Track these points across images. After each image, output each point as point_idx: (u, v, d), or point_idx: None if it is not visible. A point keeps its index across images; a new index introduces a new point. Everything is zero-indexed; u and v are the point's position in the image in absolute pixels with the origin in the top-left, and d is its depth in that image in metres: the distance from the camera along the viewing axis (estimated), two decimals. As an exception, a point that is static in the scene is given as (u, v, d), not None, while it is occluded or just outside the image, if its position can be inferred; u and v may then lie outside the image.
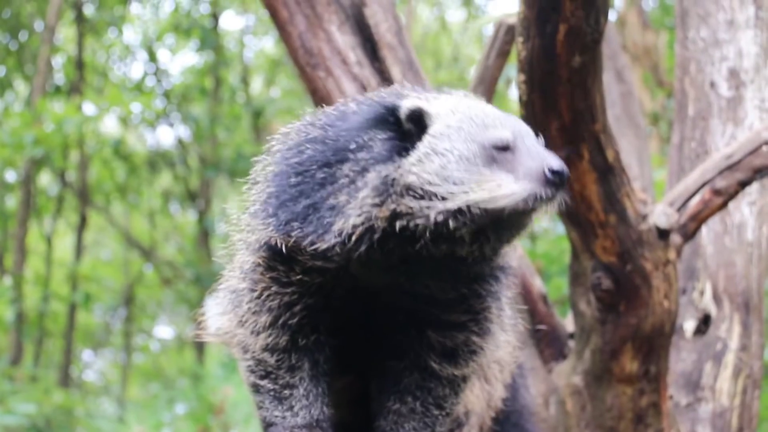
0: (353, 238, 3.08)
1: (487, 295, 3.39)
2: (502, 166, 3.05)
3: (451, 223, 3.01)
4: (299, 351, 3.39)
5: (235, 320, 3.44)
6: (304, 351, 3.40)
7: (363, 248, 3.09)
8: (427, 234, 3.04)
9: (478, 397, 3.86)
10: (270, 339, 3.36)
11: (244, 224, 3.43)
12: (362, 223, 3.07)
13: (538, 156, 3.07)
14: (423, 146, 3.08)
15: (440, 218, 3.01)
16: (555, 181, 3.00)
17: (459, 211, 3.00)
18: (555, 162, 3.02)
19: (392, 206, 3.04)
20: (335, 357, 3.51)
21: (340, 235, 3.09)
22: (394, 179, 3.04)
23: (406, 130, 3.13)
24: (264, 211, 3.27)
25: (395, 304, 3.37)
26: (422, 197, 3.03)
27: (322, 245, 3.13)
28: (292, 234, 3.17)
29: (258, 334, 3.37)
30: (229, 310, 3.47)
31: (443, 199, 3.01)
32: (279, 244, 3.20)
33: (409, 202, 3.03)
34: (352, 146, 3.12)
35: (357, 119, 3.20)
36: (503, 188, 3.00)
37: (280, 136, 3.42)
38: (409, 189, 3.04)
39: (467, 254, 3.14)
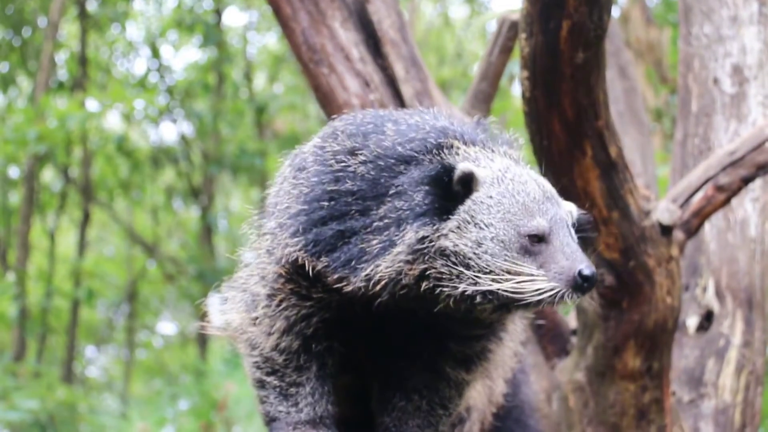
0: (378, 286, 3.10)
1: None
2: (535, 257, 3.08)
3: (478, 299, 3.06)
4: (309, 354, 3.41)
5: (248, 319, 3.45)
6: (315, 355, 3.41)
7: (385, 296, 3.12)
8: (450, 300, 3.09)
9: (480, 393, 3.87)
10: (282, 342, 3.38)
11: (268, 232, 3.40)
12: (390, 276, 3.09)
13: (571, 256, 3.09)
14: (464, 212, 3.10)
15: (468, 292, 3.05)
16: (585, 287, 3.04)
17: (488, 292, 3.04)
18: (586, 267, 3.05)
19: (423, 266, 3.07)
20: (341, 357, 3.53)
21: (367, 280, 3.11)
22: (431, 241, 3.06)
23: (455, 191, 3.12)
24: (292, 226, 3.24)
25: (417, 321, 3.39)
26: (455, 265, 3.05)
27: (348, 286, 3.16)
28: (320, 261, 3.18)
29: (270, 335, 3.38)
30: (243, 309, 3.48)
31: (475, 275, 3.04)
32: (306, 265, 3.21)
33: (441, 267, 3.07)
34: (392, 191, 3.13)
35: (412, 173, 3.17)
36: (534, 284, 3.03)
37: (315, 150, 3.36)
38: (443, 254, 3.06)
39: (484, 318, 3.26)
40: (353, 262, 3.12)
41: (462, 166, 3.12)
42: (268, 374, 3.45)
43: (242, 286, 3.52)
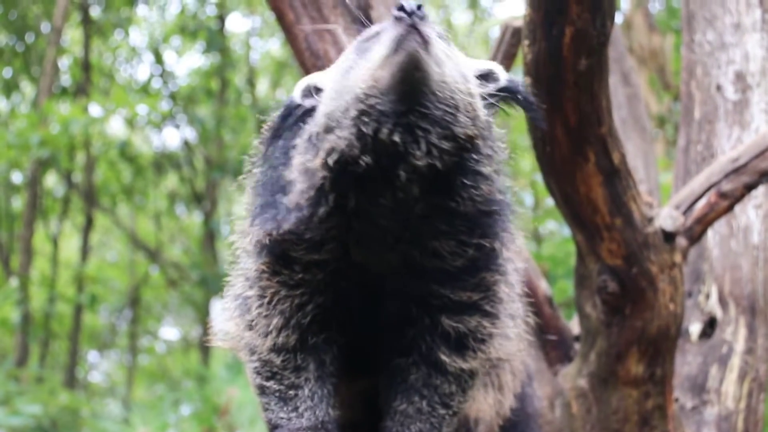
0: (307, 203, 3.15)
1: (495, 259, 3.35)
2: (370, 48, 3.06)
3: (365, 128, 2.98)
4: (306, 351, 3.41)
5: (243, 324, 3.46)
6: (311, 351, 3.42)
7: (322, 210, 3.14)
8: (363, 159, 3.02)
9: (491, 406, 3.86)
10: (279, 339, 3.38)
11: (240, 231, 3.49)
12: (306, 184, 3.14)
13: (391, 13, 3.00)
14: (322, 98, 3.20)
15: (354, 130, 3.00)
16: (400, 15, 2.91)
17: (362, 112, 2.98)
18: (399, 1, 2.95)
19: (320, 151, 3.10)
20: (350, 359, 3.53)
21: (297, 207, 3.16)
22: (313, 133, 3.14)
23: (308, 107, 3.26)
24: (250, 217, 3.37)
25: (406, 291, 3.36)
26: (334, 124, 3.06)
27: (286, 225, 3.19)
28: (267, 227, 3.25)
29: (267, 335, 3.39)
30: (237, 316, 3.49)
31: (344, 110, 3.02)
32: (265, 241, 3.27)
33: (328, 137, 3.07)
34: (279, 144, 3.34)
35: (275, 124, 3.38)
36: (371, 58, 2.99)
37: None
38: (324, 128, 3.09)
39: (424, 165, 3.03)
40: (282, 205, 3.23)
41: (297, 89, 3.36)
42: (267, 379, 3.45)
43: (233, 292, 3.54)
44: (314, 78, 3.34)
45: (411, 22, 2.89)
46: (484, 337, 3.42)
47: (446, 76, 2.98)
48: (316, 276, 3.30)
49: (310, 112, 3.24)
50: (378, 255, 3.27)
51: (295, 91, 3.33)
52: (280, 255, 3.28)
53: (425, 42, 2.90)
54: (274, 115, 3.39)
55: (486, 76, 3.27)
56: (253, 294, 3.40)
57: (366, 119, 2.97)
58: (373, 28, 3.20)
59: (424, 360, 3.44)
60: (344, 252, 3.25)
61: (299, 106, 3.30)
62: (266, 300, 3.37)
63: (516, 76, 3.31)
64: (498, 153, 3.24)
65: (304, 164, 3.14)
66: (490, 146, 3.20)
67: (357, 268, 3.29)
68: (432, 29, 2.95)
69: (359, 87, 2.98)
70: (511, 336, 3.52)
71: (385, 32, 2.98)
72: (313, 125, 3.15)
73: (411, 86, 2.94)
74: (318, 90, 3.27)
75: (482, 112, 3.12)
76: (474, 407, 3.79)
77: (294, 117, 3.29)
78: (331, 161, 3.05)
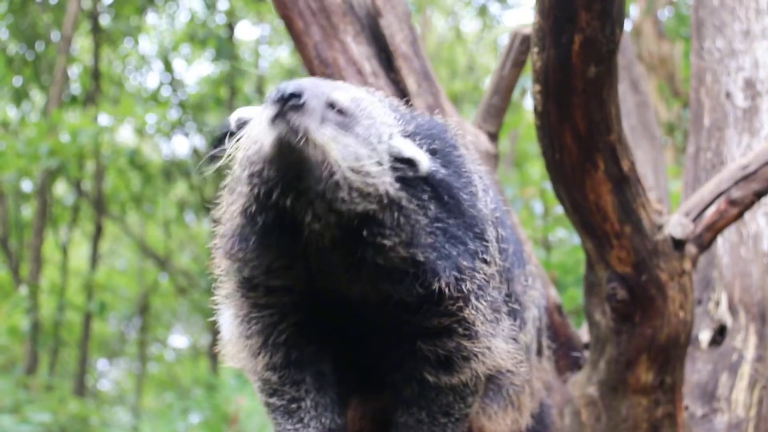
0: (239, 235, 3.25)
1: (457, 289, 3.30)
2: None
3: (256, 189, 3.09)
4: (299, 365, 3.43)
5: (236, 346, 3.53)
6: (305, 365, 3.44)
7: (253, 241, 3.21)
8: (261, 217, 3.14)
9: (508, 426, 3.86)
10: (267, 358, 3.43)
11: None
12: (235, 220, 3.27)
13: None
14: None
15: (247, 189, 3.14)
16: (276, 98, 2.96)
17: (252, 174, 3.09)
18: (281, 87, 3.00)
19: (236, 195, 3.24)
20: (359, 376, 3.54)
21: (232, 235, 3.27)
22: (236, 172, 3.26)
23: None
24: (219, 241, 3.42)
25: (377, 317, 3.37)
26: (237, 179, 3.24)
27: (233, 249, 3.29)
28: (225, 253, 3.33)
29: (255, 356, 3.43)
30: (234, 338, 3.54)
31: (242, 167, 3.17)
32: (228, 264, 3.38)
33: (237, 187, 3.24)
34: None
35: None
36: (256, 126, 3.06)
37: None
38: (233, 179, 3.28)
39: (318, 229, 3.11)
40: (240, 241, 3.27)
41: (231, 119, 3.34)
42: (270, 395, 3.50)
43: (223, 313, 3.58)
44: (246, 111, 3.32)
45: (283, 113, 2.95)
46: (467, 355, 3.42)
47: (328, 156, 2.99)
48: (282, 299, 3.35)
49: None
50: (340, 284, 3.28)
51: (231, 118, 3.33)
52: (246, 279, 3.34)
53: (295, 131, 2.94)
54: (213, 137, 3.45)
55: (408, 161, 3.22)
56: (233, 314, 3.49)
57: (256, 181, 3.08)
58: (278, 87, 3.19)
59: (412, 377, 3.45)
60: (309, 279, 3.26)
61: (231, 133, 3.28)
62: (240, 320, 3.44)
63: (435, 167, 3.28)
64: (413, 221, 3.21)
65: (228, 204, 3.28)
66: (400, 217, 3.17)
67: (326, 293, 3.31)
68: (308, 119, 2.97)
69: (249, 149, 3.09)
70: (497, 352, 3.50)
71: (266, 108, 3.04)
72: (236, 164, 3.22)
73: (288, 161, 3.00)
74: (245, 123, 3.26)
75: (383, 189, 3.11)
76: (492, 427, 3.80)
77: (225, 143, 3.28)
78: (240, 209, 3.19)
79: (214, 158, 3.33)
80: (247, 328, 3.43)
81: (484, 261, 3.36)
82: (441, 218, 3.22)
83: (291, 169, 3.00)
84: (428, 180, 3.21)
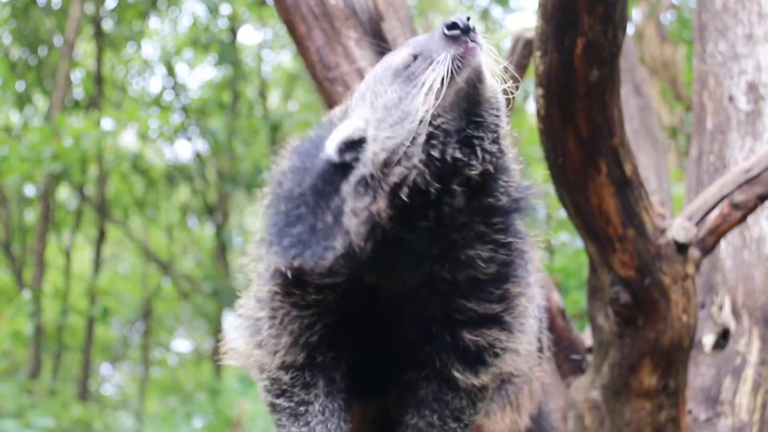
0: (362, 242, 3.11)
1: (519, 268, 3.35)
2: (421, 72, 3.08)
3: (434, 151, 3.03)
4: (315, 368, 3.42)
5: (252, 343, 3.47)
6: (320, 368, 3.42)
7: (369, 246, 3.11)
8: (433, 185, 3.06)
9: (507, 426, 3.86)
10: (288, 357, 3.39)
11: (254, 254, 3.48)
12: (365, 226, 3.10)
13: (436, 32, 3.08)
14: (370, 137, 3.13)
15: (423, 156, 3.03)
16: (453, 34, 3.02)
17: (430, 135, 3.02)
18: (449, 20, 3.04)
19: (380, 191, 3.07)
20: (361, 378, 3.53)
21: (349, 246, 3.11)
22: (366, 175, 3.10)
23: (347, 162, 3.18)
24: (268, 239, 3.32)
25: (425, 309, 3.35)
26: (397, 157, 3.05)
27: (324, 263, 3.16)
28: (295, 260, 3.20)
29: (275, 353, 3.40)
30: (247, 335, 3.50)
31: (409, 139, 3.03)
32: (285, 270, 3.24)
33: (395, 170, 3.06)
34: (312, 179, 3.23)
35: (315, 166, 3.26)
36: (427, 82, 3.02)
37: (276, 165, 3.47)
38: (384, 165, 3.06)
39: (478, 173, 3.10)
40: (321, 243, 3.17)
41: (329, 148, 3.19)
42: (277, 396, 3.46)
43: (244, 313, 3.54)
44: (345, 131, 3.20)
45: (467, 39, 3.00)
46: (498, 351, 3.42)
47: (492, 81, 3.10)
48: (327, 296, 3.30)
49: (347, 166, 3.17)
50: (392, 276, 3.26)
51: (329, 148, 3.19)
52: (295, 278, 3.27)
53: (481, 54, 3.02)
54: (311, 173, 3.28)
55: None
56: (264, 315, 3.41)
57: (434, 142, 3.02)
58: (397, 56, 3.21)
59: (437, 375, 3.44)
60: (357, 274, 3.24)
61: (340, 164, 3.19)
62: (277, 321, 3.38)
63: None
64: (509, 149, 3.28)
65: (361, 208, 3.09)
66: (504, 175, 3.24)
67: (368, 289, 3.29)
68: (481, 38, 3.06)
69: (423, 112, 3.01)
70: (522, 352, 3.51)
71: (439, 52, 3.04)
72: (363, 169, 3.09)
73: (474, 100, 3.05)
74: (355, 143, 3.17)
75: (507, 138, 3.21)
76: (491, 427, 3.79)
77: (334, 174, 3.20)
78: (403, 194, 3.05)
79: (316, 192, 3.23)
80: (279, 328, 3.38)
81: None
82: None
83: (475, 107, 3.06)
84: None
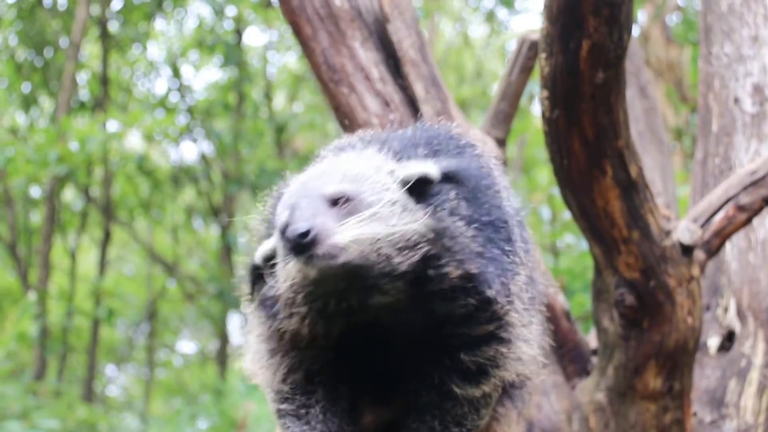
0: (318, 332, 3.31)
1: (501, 294, 3.32)
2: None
3: (316, 304, 3.21)
4: (312, 381, 3.47)
5: (258, 365, 3.57)
6: (318, 382, 3.47)
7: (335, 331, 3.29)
8: (333, 326, 3.27)
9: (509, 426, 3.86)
10: (289, 378, 3.48)
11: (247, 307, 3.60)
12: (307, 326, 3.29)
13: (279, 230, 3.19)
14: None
15: (306, 309, 3.24)
16: (291, 245, 3.04)
17: (308, 295, 3.20)
18: (282, 225, 3.11)
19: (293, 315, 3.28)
20: (367, 391, 3.55)
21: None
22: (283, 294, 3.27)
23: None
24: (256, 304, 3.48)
25: (420, 337, 3.37)
26: (290, 302, 3.29)
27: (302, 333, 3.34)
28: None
29: (276, 373, 3.48)
30: (255, 360, 3.59)
31: (292, 293, 3.25)
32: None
33: (292, 309, 3.28)
34: None
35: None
36: (286, 272, 3.17)
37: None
38: (285, 302, 3.30)
39: (387, 301, 3.19)
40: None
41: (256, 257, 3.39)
42: (281, 402, 3.55)
43: (250, 340, 3.61)
44: (267, 246, 3.34)
45: (305, 251, 3.01)
46: (500, 363, 3.42)
47: (365, 245, 3.05)
48: (321, 343, 3.40)
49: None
50: (385, 317, 3.31)
51: (256, 257, 3.35)
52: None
53: (327, 257, 3.01)
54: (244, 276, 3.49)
55: (420, 180, 3.24)
56: (264, 348, 3.52)
57: (314, 299, 3.17)
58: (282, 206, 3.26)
59: (434, 387, 3.45)
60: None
61: (259, 268, 3.36)
62: (277, 357, 3.49)
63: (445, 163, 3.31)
64: (457, 234, 3.22)
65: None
66: (447, 239, 3.19)
67: (364, 322, 3.33)
68: (328, 239, 3.03)
69: (293, 281, 3.14)
70: (525, 358, 3.51)
71: (284, 245, 3.13)
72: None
73: (336, 277, 3.08)
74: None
75: (424, 225, 3.13)
76: (498, 429, 3.80)
77: (259, 277, 3.37)
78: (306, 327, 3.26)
79: (252, 293, 3.43)
80: (279, 361, 3.49)
81: (521, 262, 3.40)
82: (475, 218, 3.24)
83: (342, 279, 3.09)
84: (448, 177, 3.24)
